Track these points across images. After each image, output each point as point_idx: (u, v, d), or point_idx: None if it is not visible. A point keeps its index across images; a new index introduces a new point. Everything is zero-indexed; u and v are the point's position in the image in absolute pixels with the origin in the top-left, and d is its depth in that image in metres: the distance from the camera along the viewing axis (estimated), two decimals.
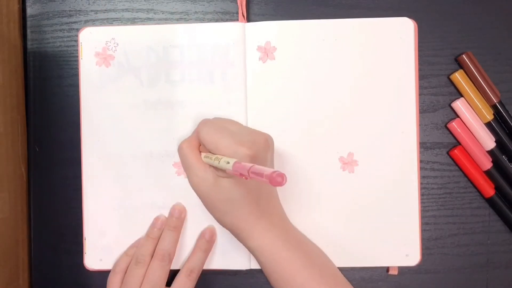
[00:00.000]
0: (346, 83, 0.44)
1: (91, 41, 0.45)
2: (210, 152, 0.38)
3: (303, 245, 0.41)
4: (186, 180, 0.44)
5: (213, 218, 0.40)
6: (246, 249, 0.40)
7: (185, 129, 0.44)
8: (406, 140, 0.43)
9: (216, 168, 0.37)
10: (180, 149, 0.40)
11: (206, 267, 0.44)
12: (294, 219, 0.44)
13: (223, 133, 0.38)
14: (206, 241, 0.43)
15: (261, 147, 0.38)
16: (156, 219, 0.44)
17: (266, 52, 0.44)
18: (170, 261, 0.42)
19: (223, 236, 0.44)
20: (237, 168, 0.32)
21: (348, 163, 0.44)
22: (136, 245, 0.44)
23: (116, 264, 0.44)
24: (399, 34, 0.44)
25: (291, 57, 0.44)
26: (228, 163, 0.33)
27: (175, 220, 0.43)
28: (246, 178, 0.31)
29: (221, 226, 0.41)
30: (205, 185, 0.38)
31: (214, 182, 0.37)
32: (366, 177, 0.44)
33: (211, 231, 0.44)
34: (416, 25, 0.43)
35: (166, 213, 0.44)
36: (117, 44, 0.44)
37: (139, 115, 0.44)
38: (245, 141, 0.37)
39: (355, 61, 0.44)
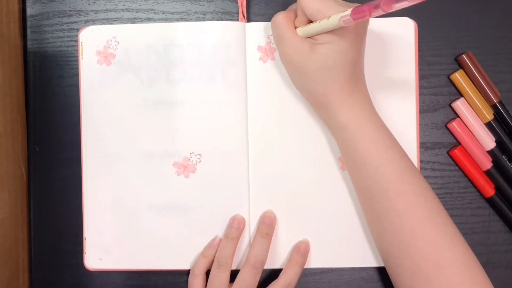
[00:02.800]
0: None
1: (93, 40, 0.45)
2: (307, 20, 0.38)
3: (387, 129, 0.39)
4: (186, 180, 0.44)
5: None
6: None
7: (185, 128, 0.44)
8: (406, 140, 0.43)
9: (313, 38, 0.37)
10: (275, 20, 0.39)
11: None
12: (293, 219, 0.44)
13: None
14: (302, 255, 0.43)
15: None
16: (233, 219, 0.43)
17: (267, 52, 0.44)
18: (262, 268, 0.42)
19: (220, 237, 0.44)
20: (357, 11, 0.31)
21: None
22: (211, 245, 0.43)
23: (194, 267, 0.43)
24: (399, 34, 0.44)
25: None
26: (343, 13, 0.32)
27: (266, 227, 0.43)
28: (367, 16, 0.30)
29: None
30: (301, 54, 0.37)
31: (310, 50, 0.37)
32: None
33: (306, 245, 0.43)
34: (417, 25, 0.44)
35: (167, 213, 0.44)
36: (118, 43, 0.44)
37: (139, 115, 0.44)
38: (346, 4, 0.36)
39: None
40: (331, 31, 0.36)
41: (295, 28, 0.39)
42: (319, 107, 0.40)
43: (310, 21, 0.37)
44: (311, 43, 0.37)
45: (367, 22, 0.38)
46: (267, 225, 0.43)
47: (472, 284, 0.36)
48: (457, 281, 0.36)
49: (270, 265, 0.44)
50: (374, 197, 0.38)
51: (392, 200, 0.37)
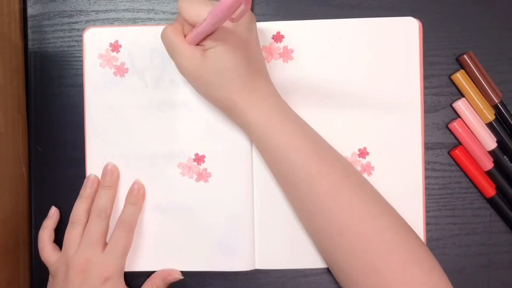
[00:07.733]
0: (351, 83, 0.44)
1: (95, 43, 0.44)
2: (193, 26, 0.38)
3: (298, 119, 0.41)
4: (191, 180, 0.44)
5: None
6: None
7: (190, 129, 0.44)
8: (410, 140, 0.43)
9: (200, 44, 0.38)
10: (164, 35, 0.39)
11: (209, 269, 0.44)
12: (295, 218, 0.44)
13: (203, 1, 0.37)
14: (135, 196, 0.44)
15: None
16: (87, 178, 0.44)
17: (270, 52, 0.44)
18: (107, 217, 0.43)
19: (224, 238, 0.44)
20: (214, 11, 0.32)
21: (352, 163, 0.44)
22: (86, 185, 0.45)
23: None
24: (403, 33, 0.44)
25: (294, 57, 0.44)
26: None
27: (108, 180, 0.44)
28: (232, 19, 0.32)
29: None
30: (195, 62, 0.38)
31: (202, 56, 0.37)
32: (370, 177, 0.44)
33: (139, 185, 0.44)
34: (421, 25, 0.43)
35: (172, 214, 0.44)
36: (121, 46, 0.44)
37: (143, 116, 0.44)
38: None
39: (360, 60, 0.44)
40: (214, 36, 0.36)
41: (185, 37, 0.39)
42: (227, 110, 0.40)
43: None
44: (201, 50, 0.38)
45: (249, 23, 0.37)
46: (110, 177, 0.44)
47: (406, 249, 0.36)
48: (387, 247, 0.36)
49: (271, 265, 0.44)
50: (298, 186, 0.39)
51: (315, 183, 0.38)
